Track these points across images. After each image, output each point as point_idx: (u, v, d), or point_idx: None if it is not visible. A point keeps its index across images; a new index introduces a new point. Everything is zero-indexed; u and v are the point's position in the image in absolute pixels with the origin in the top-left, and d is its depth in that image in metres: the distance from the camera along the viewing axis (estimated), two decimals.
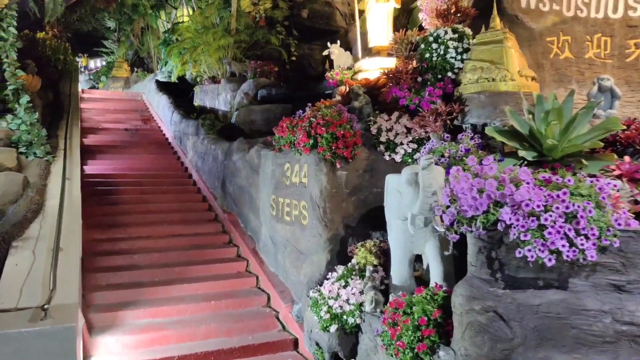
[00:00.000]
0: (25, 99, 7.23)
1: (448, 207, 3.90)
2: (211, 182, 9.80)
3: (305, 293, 5.77)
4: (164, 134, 14.30)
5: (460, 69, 6.40)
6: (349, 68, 9.47)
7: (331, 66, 10.42)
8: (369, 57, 9.08)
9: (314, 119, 6.09)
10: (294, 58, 14.81)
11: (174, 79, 16.33)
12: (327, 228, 5.84)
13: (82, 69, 34.85)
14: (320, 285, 5.58)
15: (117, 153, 11.89)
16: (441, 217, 3.98)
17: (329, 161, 5.90)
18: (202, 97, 14.43)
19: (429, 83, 6.44)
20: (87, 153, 11.57)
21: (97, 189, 9.49)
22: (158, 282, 6.64)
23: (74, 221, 5.29)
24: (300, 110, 6.73)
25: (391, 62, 7.61)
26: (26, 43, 12.59)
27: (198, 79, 14.87)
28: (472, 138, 5.41)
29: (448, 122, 6.05)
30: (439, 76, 6.48)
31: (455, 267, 4.68)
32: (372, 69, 8.73)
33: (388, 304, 4.69)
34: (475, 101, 5.99)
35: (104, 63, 35.70)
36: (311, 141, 5.97)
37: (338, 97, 7.89)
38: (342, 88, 8.26)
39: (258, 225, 7.47)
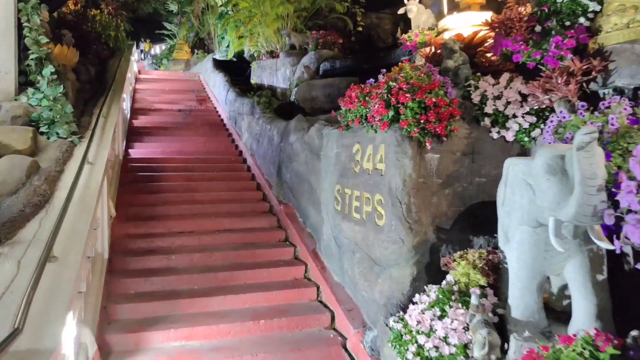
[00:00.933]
0: (49, 69, 6.17)
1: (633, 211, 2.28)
2: (266, 168, 8.48)
3: (383, 319, 4.28)
4: (219, 115, 13.19)
5: (596, 12, 4.62)
6: (431, 29, 7.78)
7: (405, 32, 8.79)
8: (457, 13, 7.33)
9: (394, 83, 4.52)
10: (360, 29, 13.17)
11: (230, 55, 15.20)
12: (412, 232, 4.29)
13: (146, 54, 34.97)
14: (404, 310, 4.08)
15: (167, 135, 10.87)
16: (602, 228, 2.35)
17: (416, 140, 4.33)
18: (260, 74, 13.16)
19: (553, 33, 4.67)
20: (135, 135, 10.62)
21: (139, 175, 8.43)
22: (197, 291, 5.39)
23: (83, 219, 4.10)
24: (371, 80, 5.18)
25: (486, 17, 5.85)
26: (74, 18, 11.82)
27: (256, 54, 13.60)
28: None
29: (584, 84, 4.32)
30: (567, 23, 4.70)
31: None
32: (462, 27, 6.99)
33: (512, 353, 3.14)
34: (627, 54, 4.23)
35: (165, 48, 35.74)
36: (391, 113, 4.41)
37: (421, 63, 6.24)
38: (426, 49, 6.61)
39: (319, 221, 6.04)
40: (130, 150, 9.63)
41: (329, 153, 5.71)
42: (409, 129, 4.28)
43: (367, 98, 4.88)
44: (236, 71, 15.19)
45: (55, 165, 5.04)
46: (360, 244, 4.89)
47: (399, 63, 6.00)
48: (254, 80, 13.19)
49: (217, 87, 14.17)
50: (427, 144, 4.30)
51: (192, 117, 12.70)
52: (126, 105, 11.63)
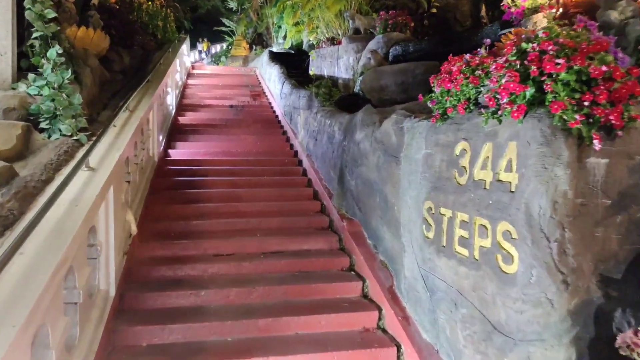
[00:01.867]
0: (54, 50, 4.91)
1: None
2: (325, 172, 6.92)
3: None
4: (274, 111, 11.80)
5: None
6: None
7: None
8: None
9: (528, 45, 2.80)
10: (434, 10, 11.34)
11: (286, 45, 13.81)
12: (568, 288, 2.56)
13: (206, 53, 34.61)
14: None
15: (214, 133, 9.58)
16: None
17: (574, 135, 2.59)
18: (319, 64, 11.63)
19: None
20: (179, 134, 9.40)
21: (176, 181, 7.12)
22: (229, 345, 3.89)
23: (53, 251, 2.71)
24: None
25: None
26: (117, 4, 10.81)
27: (315, 43, 12.09)
28: None
29: None
30: None
31: None
32: None
33: None
34: None
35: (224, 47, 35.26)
36: (530, 90, 2.69)
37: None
38: (546, 11, 4.79)
39: (397, 248, 4.39)
40: (170, 151, 8.38)
41: (414, 155, 4.04)
42: (564, 117, 2.54)
43: (479, 72, 3.18)
44: (294, 64, 13.77)
45: (41, 173, 3.71)
46: (469, 295, 3.19)
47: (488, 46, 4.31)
48: (312, 71, 11.68)
49: (272, 81, 12.79)
50: (594, 141, 2.54)
51: (244, 113, 11.38)
52: (171, 100, 10.47)
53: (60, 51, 5.03)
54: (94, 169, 4.04)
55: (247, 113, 11.44)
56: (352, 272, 5.08)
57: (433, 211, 3.68)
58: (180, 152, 8.47)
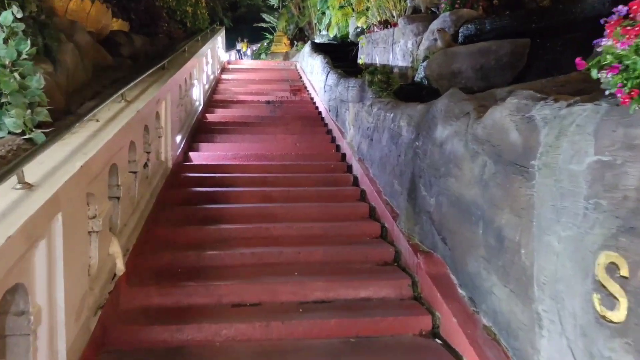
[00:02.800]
0: (9, 14, 3.44)
1: None
2: (386, 182, 5.20)
3: None
4: (316, 107, 10.17)
5: None
6: None
7: None
8: None
9: None
10: None
11: (332, 32, 12.19)
12: None
13: (243, 55, 33.54)
14: None
15: (246, 133, 8.04)
16: None
17: None
18: (370, 51, 9.94)
19: None
20: (205, 133, 7.91)
21: (194, 193, 5.60)
22: None
23: None
24: None
25: None
26: None
27: (365, 27, 10.40)
28: None
29: None
30: None
31: None
32: None
33: None
34: None
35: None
36: None
37: None
38: None
39: (524, 319, 2.63)
40: (191, 155, 6.87)
41: (567, 164, 2.28)
42: None
43: None
44: (339, 54, 12.12)
45: None
46: None
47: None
48: (361, 59, 10.00)
49: (315, 73, 11.17)
50: None
51: (282, 109, 9.81)
52: (198, 94, 9.01)
53: (20, 15, 3.55)
54: (33, 186, 2.50)
55: (285, 109, 9.87)
56: (437, 341, 3.35)
57: (622, 272, 1.92)
58: (204, 155, 6.95)
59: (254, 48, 37.03)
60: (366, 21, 10.35)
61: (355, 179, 6.25)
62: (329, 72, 9.34)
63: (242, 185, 5.91)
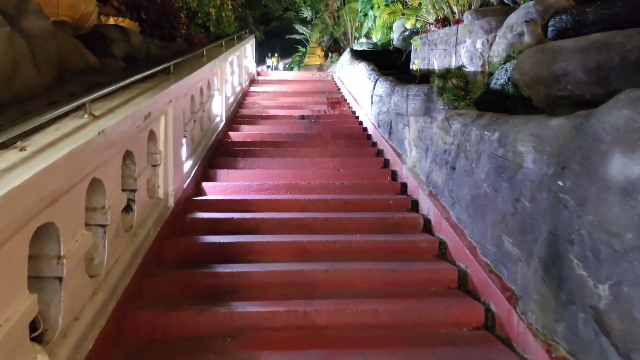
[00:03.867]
0: None
1: None
2: (486, 235, 3.41)
3: None
4: (360, 122, 8.48)
5: None
6: None
7: None
8: None
9: None
10: None
11: (376, 34, 10.56)
12: None
13: (273, 69, 32.36)
14: None
15: (276, 155, 6.40)
16: None
17: None
18: (426, 55, 8.23)
19: None
20: (225, 156, 6.32)
21: (201, 245, 3.94)
22: None
23: None
24: None
25: None
26: None
27: (419, 27, 8.70)
28: None
29: None
30: None
31: None
32: None
33: None
34: None
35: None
36: None
37: None
38: None
39: None
40: (205, 186, 5.25)
41: None
42: None
43: None
44: (383, 62, 10.43)
45: None
46: None
47: None
48: (415, 65, 8.28)
49: (358, 83, 9.50)
50: None
51: (319, 126, 8.16)
52: (219, 108, 7.47)
53: None
54: None
55: (323, 126, 8.21)
56: None
57: None
58: (221, 186, 5.33)
59: (286, 62, 35.85)
60: (417, 20, 8.65)
61: (427, 222, 4.49)
62: (377, 80, 7.64)
63: (269, 232, 4.24)
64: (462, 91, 5.04)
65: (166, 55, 6.36)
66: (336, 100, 10.50)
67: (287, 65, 32.75)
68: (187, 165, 5.06)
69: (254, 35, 13.62)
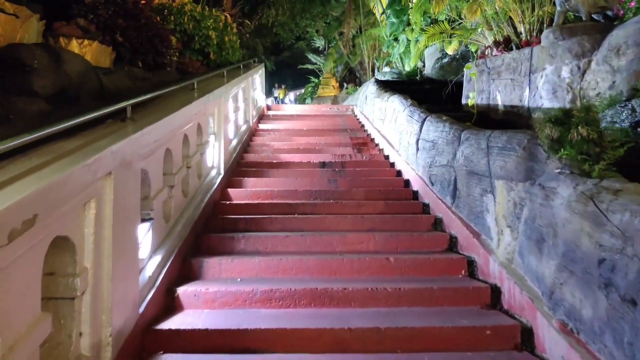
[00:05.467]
0: None
1: None
2: None
3: None
4: (398, 172, 6.57)
5: None
6: None
7: None
8: None
9: None
10: None
11: (413, 62, 8.70)
12: None
13: (280, 101, 30.92)
14: None
15: (291, 228, 4.50)
16: None
17: None
18: (484, 86, 6.36)
19: None
20: (221, 231, 4.41)
21: None
22: None
23: None
24: None
25: None
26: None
27: (472, 50, 6.84)
28: None
29: None
30: None
31: None
32: None
33: None
34: None
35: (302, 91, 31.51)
36: None
37: None
38: None
39: None
40: (180, 294, 3.30)
41: None
42: None
43: None
44: (415, 94, 8.59)
45: None
46: None
47: None
48: (471, 100, 6.39)
49: (392, 121, 7.63)
50: None
51: (346, 177, 6.26)
52: (216, 158, 5.62)
53: None
54: None
55: (351, 177, 6.30)
56: None
57: None
58: (207, 296, 3.35)
59: (297, 93, 34.34)
60: (470, 43, 6.81)
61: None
62: (425, 120, 5.75)
63: None
64: (595, 146, 3.12)
65: (140, 89, 4.54)
66: (362, 141, 8.63)
67: (298, 96, 31.21)
68: (152, 265, 3.15)
69: (263, 64, 11.92)
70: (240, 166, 6.81)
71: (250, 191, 5.66)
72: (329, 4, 19.68)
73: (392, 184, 6.13)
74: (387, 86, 9.73)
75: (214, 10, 8.27)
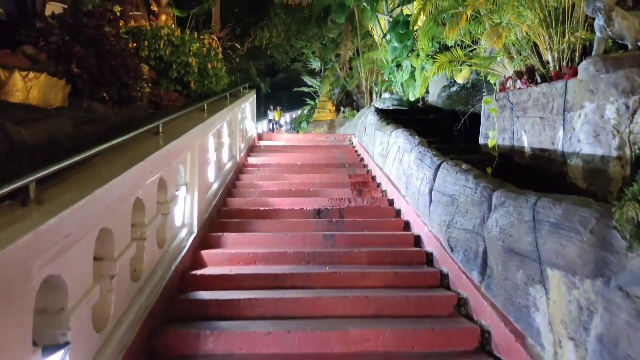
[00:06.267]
0: None
1: None
2: None
3: None
4: (406, 223, 5.59)
5: None
6: None
7: None
8: None
9: None
10: None
11: (421, 91, 7.77)
12: None
13: (275, 124, 30.08)
14: None
15: (276, 312, 3.50)
16: None
17: None
18: (507, 124, 5.43)
19: None
20: (182, 319, 3.40)
21: None
22: None
23: None
24: None
25: None
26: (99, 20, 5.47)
27: (490, 79, 5.92)
28: None
29: None
30: None
31: None
32: None
33: None
34: None
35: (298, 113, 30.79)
36: None
37: None
38: None
39: None
40: None
41: None
42: None
43: None
44: (419, 125, 7.69)
45: None
46: None
47: None
48: (491, 140, 5.44)
49: (395, 159, 6.70)
50: None
51: (344, 231, 5.30)
52: (186, 213, 4.65)
53: None
54: None
55: (351, 231, 5.33)
56: None
57: None
58: None
59: (294, 115, 33.55)
60: (484, 72, 5.91)
61: None
62: (439, 167, 4.80)
63: None
64: None
65: (90, 136, 3.59)
66: (362, 179, 7.68)
67: (294, 119, 30.38)
68: None
69: (254, 90, 11.03)
70: (221, 215, 5.83)
71: (229, 253, 4.66)
72: (325, 26, 18.94)
73: (400, 240, 5.15)
74: (388, 116, 8.82)
75: (196, 33, 7.37)
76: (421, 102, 10.85)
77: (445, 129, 8.25)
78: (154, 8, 10.12)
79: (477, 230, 3.72)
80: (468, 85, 7.50)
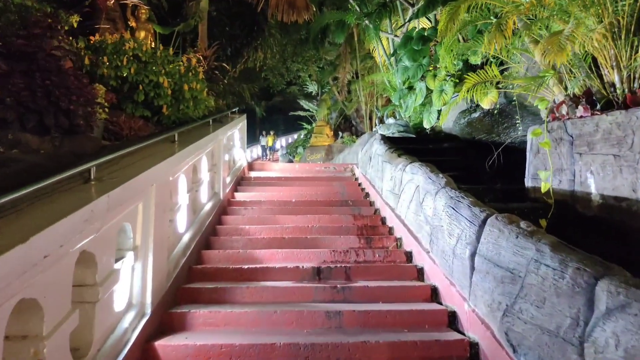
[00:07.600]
0: None
1: None
2: None
3: None
4: (433, 290, 4.27)
5: None
6: None
7: None
8: None
9: None
10: None
11: (442, 120, 6.55)
12: None
13: (268, 150, 28.86)
14: None
15: None
16: None
17: None
18: (566, 162, 4.15)
19: None
20: None
21: None
22: None
23: None
24: None
25: None
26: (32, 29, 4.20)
27: (539, 106, 4.67)
28: None
29: None
30: None
31: None
32: None
33: None
34: None
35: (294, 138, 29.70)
36: None
37: None
38: None
39: None
40: None
41: None
42: None
43: None
44: (434, 156, 6.46)
45: None
46: None
47: None
48: (544, 184, 4.16)
49: (411, 200, 5.40)
50: None
51: (352, 302, 3.98)
52: (135, 288, 3.32)
53: None
54: None
55: (361, 301, 4.01)
56: None
57: None
58: None
59: (290, 140, 32.39)
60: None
61: None
62: (485, 222, 3.51)
63: None
64: None
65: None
66: (370, 222, 6.38)
67: (290, 144, 29.20)
68: None
69: (245, 115, 9.79)
70: (192, 278, 4.50)
71: (193, 347, 3.31)
72: (323, 47, 17.88)
73: (429, 319, 3.82)
74: (397, 146, 7.57)
75: (171, 49, 6.15)
76: (429, 129, 9.64)
77: (465, 162, 7.02)
78: (132, 24, 8.96)
79: (565, 337, 2.41)
80: (495, 112, 6.28)
